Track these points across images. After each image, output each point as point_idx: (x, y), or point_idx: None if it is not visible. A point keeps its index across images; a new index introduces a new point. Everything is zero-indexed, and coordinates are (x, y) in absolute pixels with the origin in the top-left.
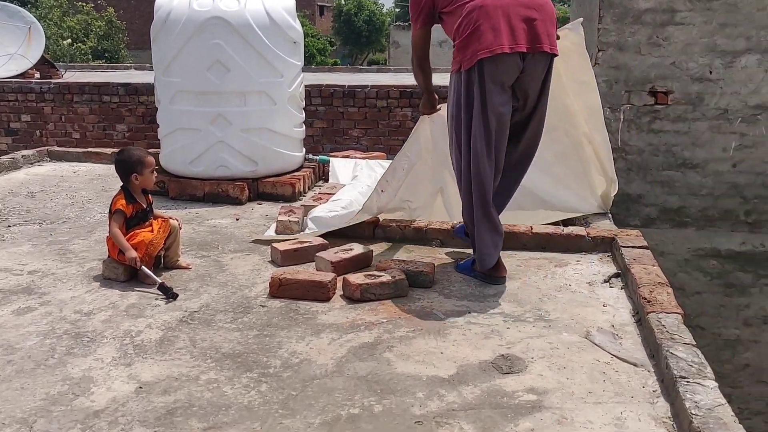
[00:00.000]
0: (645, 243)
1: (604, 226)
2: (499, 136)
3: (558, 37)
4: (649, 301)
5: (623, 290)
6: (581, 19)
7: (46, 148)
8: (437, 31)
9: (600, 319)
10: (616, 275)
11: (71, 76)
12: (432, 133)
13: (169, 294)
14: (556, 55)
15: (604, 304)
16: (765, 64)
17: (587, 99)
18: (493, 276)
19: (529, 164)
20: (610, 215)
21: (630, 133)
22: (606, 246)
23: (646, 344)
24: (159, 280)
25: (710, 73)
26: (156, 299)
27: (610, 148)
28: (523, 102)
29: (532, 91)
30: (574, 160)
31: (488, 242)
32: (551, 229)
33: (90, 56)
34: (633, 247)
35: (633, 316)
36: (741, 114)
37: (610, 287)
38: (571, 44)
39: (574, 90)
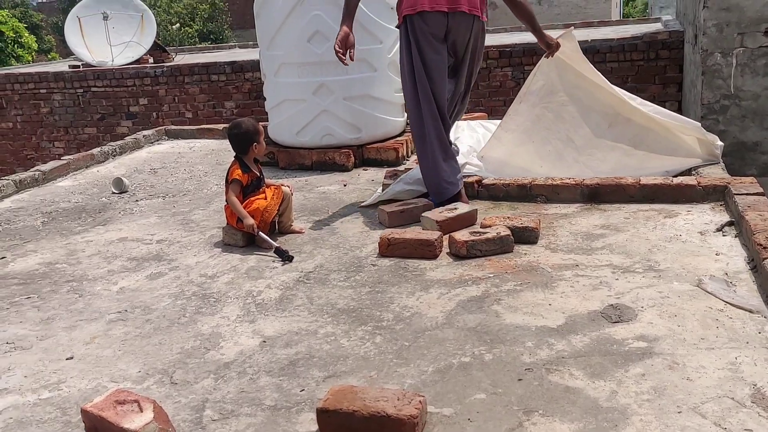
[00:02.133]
0: (760, 189)
1: (716, 175)
2: (438, 81)
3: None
4: (765, 247)
5: (737, 238)
6: (571, 27)
7: (164, 127)
8: None
9: (712, 268)
10: (730, 223)
11: (181, 59)
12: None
13: (285, 257)
14: (477, 16)
15: (716, 252)
16: None
17: (617, 91)
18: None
19: (466, 104)
20: (722, 164)
21: (744, 78)
22: (718, 195)
23: (762, 291)
24: (275, 244)
25: None
26: (273, 262)
27: (673, 113)
28: (454, 54)
29: (459, 46)
30: (652, 135)
31: (448, 171)
32: (659, 180)
33: (197, 38)
34: (747, 194)
35: (748, 263)
36: None
37: (723, 236)
38: (570, 52)
39: (604, 84)
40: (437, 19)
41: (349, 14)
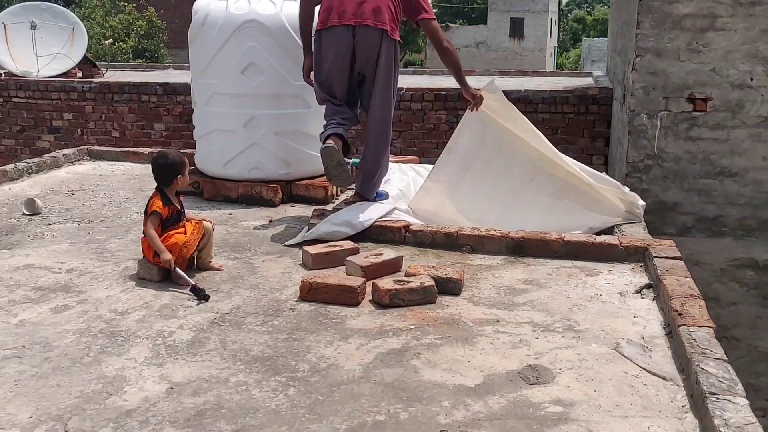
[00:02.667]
0: (678, 254)
1: (638, 235)
2: (338, 87)
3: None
4: (680, 314)
5: (655, 301)
6: (493, 78)
7: (87, 147)
8: (476, 32)
9: (630, 331)
10: (648, 286)
11: (112, 76)
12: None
13: (201, 295)
14: (386, 32)
15: (634, 315)
16: None
17: (542, 142)
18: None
19: (384, 139)
20: (644, 224)
21: (667, 140)
22: (639, 256)
23: (676, 358)
24: (192, 281)
25: (751, 80)
26: (188, 300)
27: (596, 171)
28: (363, 68)
29: (367, 59)
30: (575, 191)
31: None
32: (583, 238)
33: (131, 55)
34: (666, 257)
35: (664, 328)
36: None
37: (642, 298)
38: (494, 102)
39: (528, 137)
40: (344, 33)
41: (307, 45)
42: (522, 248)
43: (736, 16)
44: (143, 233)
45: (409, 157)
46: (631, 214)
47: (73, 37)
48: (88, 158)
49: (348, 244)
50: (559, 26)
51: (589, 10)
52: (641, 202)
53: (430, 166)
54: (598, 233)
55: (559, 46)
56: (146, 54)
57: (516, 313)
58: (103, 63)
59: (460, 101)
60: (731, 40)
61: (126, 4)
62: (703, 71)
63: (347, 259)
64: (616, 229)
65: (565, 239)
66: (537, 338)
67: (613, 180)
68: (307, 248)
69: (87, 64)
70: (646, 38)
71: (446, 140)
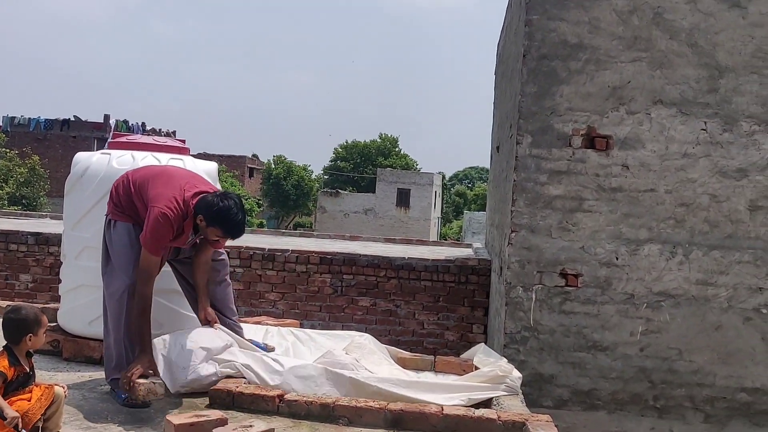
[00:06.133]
0: (555, 429)
1: (516, 409)
2: None
3: None
4: None
5: None
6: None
7: None
8: (365, 200)
9: None
10: None
11: None
12: None
13: None
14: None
15: None
16: (666, 253)
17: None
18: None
19: (107, 321)
20: (522, 396)
21: (542, 312)
22: (517, 430)
23: None
24: None
25: (616, 259)
26: None
27: (474, 350)
28: None
29: None
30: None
31: None
32: (462, 411)
33: (6, 202)
34: None
35: None
36: (646, 300)
37: None
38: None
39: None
40: None
41: None
42: (400, 421)
43: (600, 200)
44: None
45: (289, 321)
46: (508, 387)
47: None
48: None
49: (216, 414)
50: (442, 199)
51: (469, 185)
52: (517, 374)
53: (311, 331)
54: (477, 406)
55: (442, 217)
56: (24, 201)
57: None
58: None
59: (345, 265)
60: (597, 221)
61: (7, 150)
62: (573, 248)
63: (213, 431)
64: (494, 402)
65: (444, 412)
66: None
67: (493, 351)
68: (170, 418)
69: None
70: (521, 215)
71: (330, 303)
